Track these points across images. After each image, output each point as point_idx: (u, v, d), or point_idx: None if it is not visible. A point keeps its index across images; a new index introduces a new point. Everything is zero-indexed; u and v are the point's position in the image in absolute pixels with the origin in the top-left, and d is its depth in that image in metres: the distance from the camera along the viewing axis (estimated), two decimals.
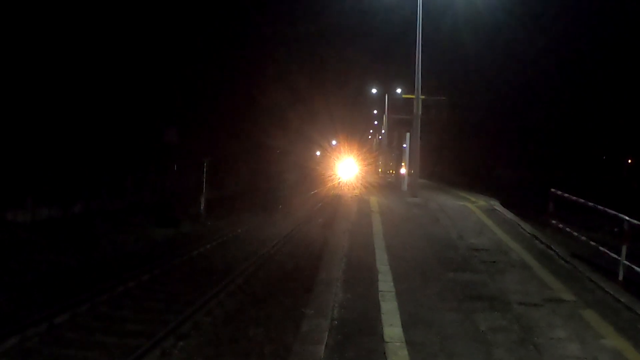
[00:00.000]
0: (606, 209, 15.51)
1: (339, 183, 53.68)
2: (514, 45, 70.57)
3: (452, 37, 67.23)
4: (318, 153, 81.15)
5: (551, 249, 17.08)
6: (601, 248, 15.03)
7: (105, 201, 30.70)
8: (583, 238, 16.77)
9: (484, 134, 70.91)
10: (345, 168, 61.34)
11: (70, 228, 25.54)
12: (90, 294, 15.45)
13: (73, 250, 22.16)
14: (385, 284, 12.41)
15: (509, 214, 24.41)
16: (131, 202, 32.51)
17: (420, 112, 30.30)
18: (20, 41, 25.55)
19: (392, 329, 9.68)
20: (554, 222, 19.49)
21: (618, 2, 65.32)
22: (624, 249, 13.43)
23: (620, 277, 13.24)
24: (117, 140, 32.36)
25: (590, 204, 16.69)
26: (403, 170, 39.15)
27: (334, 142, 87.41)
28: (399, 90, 62.27)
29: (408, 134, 34.48)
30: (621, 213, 14.41)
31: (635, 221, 13.61)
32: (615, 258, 13.79)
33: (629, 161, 73.20)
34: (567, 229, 18.33)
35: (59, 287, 16.99)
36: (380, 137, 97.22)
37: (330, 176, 63.10)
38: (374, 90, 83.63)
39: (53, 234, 24.07)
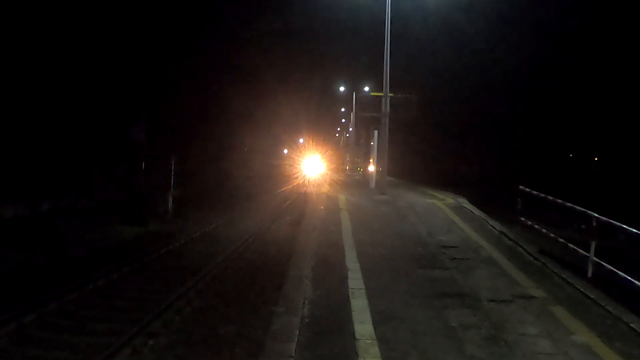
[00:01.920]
0: (574, 206, 15.58)
1: (307, 181, 53.63)
2: (482, 42, 70.82)
3: (421, 35, 67.39)
4: (286, 151, 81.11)
5: (520, 245, 17.16)
6: (570, 245, 15.09)
7: (73, 199, 30.47)
8: (552, 235, 16.83)
9: (452, 131, 71.25)
10: (312, 166, 61.26)
11: (38, 226, 25.29)
12: (59, 292, 15.27)
13: (41, 248, 21.89)
14: (355, 281, 12.41)
15: (477, 211, 24.50)
16: (99, 200, 32.32)
17: (388, 110, 30.35)
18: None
19: (363, 326, 9.66)
20: (522, 219, 19.55)
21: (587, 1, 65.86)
22: (592, 246, 13.49)
23: (589, 274, 13.30)
24: (84, 138, 32.15)
25: (559, 201, 16.76)
26: (371, 168, 39.17)
27: (301, 140, 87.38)
28: (367, 88, 62.29)
29: (376, 132, 34.51)
30: (589, 210, 14.48)
31: (603, 218, 13.68)
32: (584, 255, 13.85)
33: (596, 159, 73.81)
34: (536, 226, 18.40)
35: (27, 286, 16.75)
36: (348, 134, 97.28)
37: (298, 174, 63.05)
38: (342, 88, 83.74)
39: (20, 233, 23.82)
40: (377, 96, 37.56)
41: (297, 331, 9.35)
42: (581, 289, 12.37)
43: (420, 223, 21.06)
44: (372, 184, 36.27)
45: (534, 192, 19.08)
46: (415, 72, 65.18)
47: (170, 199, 34.84)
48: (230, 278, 19.06)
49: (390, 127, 31.46)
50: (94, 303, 15.59)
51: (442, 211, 24.67)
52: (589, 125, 63.10)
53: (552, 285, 12.83)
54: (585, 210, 14.57)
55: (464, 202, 27.50)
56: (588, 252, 13.55)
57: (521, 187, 19.94)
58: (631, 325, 10.30)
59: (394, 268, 13.86)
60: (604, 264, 13.02)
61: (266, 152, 75.64)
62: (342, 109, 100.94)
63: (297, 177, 60.64)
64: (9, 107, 26.65)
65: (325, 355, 8.52)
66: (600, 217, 13.74)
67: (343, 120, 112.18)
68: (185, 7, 42.68)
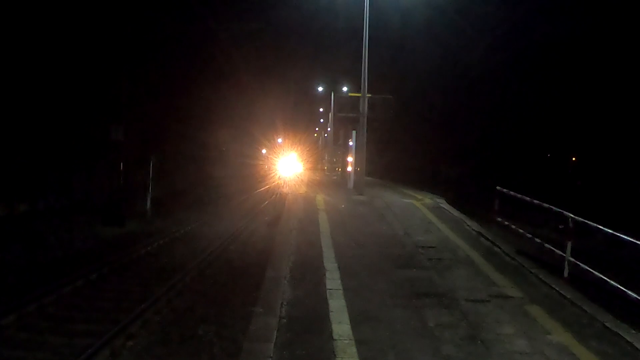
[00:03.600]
0: (551, 207, 15.68)
1: (284, 181, 53.63)
2: (459, 43, 70.96)
3: (399, 36, 67.34)
4: (264, 151, 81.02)
5: (497, 246, 17.25)
6: (546, 245, 15.19)
7: (52, 200, 30.33)
8: (528, 235, 16.92)
9: (429, 131, 71.39)
10: (289, 166, 61.26)
11: (16, 227, 25.17)
12: (38, 293, 15.25)
13: (19, 249, 21.80)
14: (333, 281, 12.44)
15: (454, 212, 24.59)
16: (78, 201, 32.16)
17: (366, 110, 30.39)
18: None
19: (341, 327, 9.70)
20: (499, 219, 19.65)
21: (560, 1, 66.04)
22: (568, 246, 13.59)
23: (566, 274, 13.40)
24: (63, 138, 32.01)
25: (535, 201, 16.85)
26: (349, 168, 39.19)
27: (279, 140, 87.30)
28: (345, 89, 62.28)
29: (354, 132, 34.49)
30: (566, 210, 14.59)
31: (579, 218, 13.78)
32: (560, 255, 13.95)
33: (573, 159, 74.12)
34: (513, 226, 18.48)
35: (5, 287, 16.71)
36: (326, 135, 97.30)
37: (276, 173, 63.03)
38: (320, 88, 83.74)
39: None
40: (355, 97, 37.59)
41: (276, 332, 9.37)
42: (557, 289, 12.47)
43: (398, 223, 21.10)
44: (350, 184, 36.30)
45: (511, 193, 19.17)
46: (393, 72, 65.25)
47: (149, 199, 34.77)
48: (208, 279, 19.10)
49: (369, 128, 31.54)
50: (73, 303, 15.58)
51: (420, 211, 24.72)
52: (566, 125, 63.33)
53: (528, 285, 12.92)
54: (562, 211, 14.68)
55: (442, 203, 27.58)
56: (564, 252, 13.66)
57: (498, 187, 20.03)
58: (606, 324, 10.40)
59: (372, 268, 13.89)
60: (580, 264, 13.13)
61: (244, 152, 75.47)
62: (321, 109, 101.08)
63: (274, 178, 60.61)
64: None
65: (303, 356, 8.55)
66: (576, 217, 13.85)
67: (321, 120, 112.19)
68: (162, 5, 42.58)
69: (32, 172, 29.05)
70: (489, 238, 18.35)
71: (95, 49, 33.87)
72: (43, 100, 30.08)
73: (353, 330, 9.53)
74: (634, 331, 10.13)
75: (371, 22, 29.23)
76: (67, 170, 32.33)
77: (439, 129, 71.17)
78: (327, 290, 11.74)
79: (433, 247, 16.95)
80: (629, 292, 11.26)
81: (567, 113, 62.18)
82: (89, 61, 33.69)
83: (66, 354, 11.68)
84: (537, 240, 16.01)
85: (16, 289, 16.13)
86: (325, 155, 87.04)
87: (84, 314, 14.80)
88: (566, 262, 13.48)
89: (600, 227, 12.94)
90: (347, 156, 42.59)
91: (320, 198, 28.28)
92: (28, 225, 25.57)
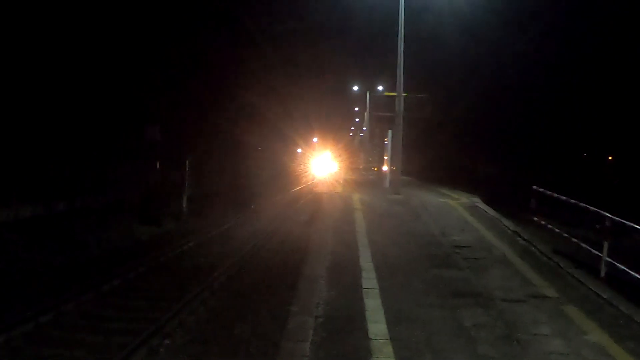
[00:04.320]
0: (587, 206, 15.59)
1: (319, 181, 53.61)
2: (496, 42, 70.59)
3: (435, 34, 66.97)
4: (300, 150, 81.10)
5: (533, 245, 17.18)
6: (583, 245, 15.12)
7: (89, 199, 30.52)
8: (565, 235, 16.84)
9: (466, 130, 71.04)
10: (325, 165, 61.20)
11: (55, 226, 25.29)
12: (76, 292, 15.37)
13: (58, 248, 21.94)
14: (369, 280, 12.48)
15: (490, 211, 24.49)
16: (115, 200, 32.31)
17: (402, 109, 30.34)
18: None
19: (377, 326, 9.73)
20: (536, 219, 19.55)
21: (598, 1, 65.50)
22: (605, 246, 13.52)
23: (602, 274, 13.33)
24: (100, 137, 32.20)
25: (572, 201, 16.76)
26: (385, 167, 39.11)
27: (315, 139, 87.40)
28: (380, 88, 62.17)
29: (390, 131, 34.42)
30: (602, 210, 14.50)
31: (616, 218, 13.70)
32: (597, 255, 13.88)
33: (610, 158, 73.54)
34: (549, 226, 18.39)
35: (44, 286, 16.83)
36: (362, 134, 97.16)
37: (312, 173, 62.97)
38: (355, 88, 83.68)
39: (37, 233, 23.86)
40: (391, 96, 37.52)
41: (312, 331, 9.43)
42: (594, 289, 12.41)
43: (434, 222, 21.09)
44: (386, 184, 36.22)
45: (548, 192, 19.07)
46: (429, 70, 65.01)
47: (185, 199, 34.91)
48: (245, 278, 19.10)
49: (405, 127, 31.48)
50: (111, 303, 15.67)
51: (456, 210, 24.68)
52: (603, 124, 62.85)
53: (565, 285, 12.88)
54: (599, 210, 14.59)
55: (478, 202, 27.48)
56: (601, 252, 13.59)
57: (535, 187, 19.93)
58: None
59: (408, 268, 13.92)
60: (617, 264, 13.06)
61: (279, 151, 75.52)
62: (356, 108, 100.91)
63: (312, 177, 60.54)
64: (25, 108, 26.74)
65: (339, 355, 8.60)
66: (613, 217, 13.76)
67: (357, 120, 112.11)
68: (198, 6, 42.72)
69: (70, 171, 29.23)
70: (526, 237, 18.28)
71: (131, 50, 34.06)
72: (81, 101, 30.30)
73: (389, 330, 9.56)
74: None
75: (407, 20, 29.19)
76: (104, 170, 32.51)
77: (475, 128, 70.83)
78: (363, 290, 11.78)
79: (469, 246, 16.93)
80: None
81: (604, 112, 61.69)
82: (125, 61, 33.88)
83: (103, 352, 11.76)
84: (574, 239, 15.93)
85: (54, 288, 16.24)
86: (361, 154, 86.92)
87: (121, 312, 14.89)
88: (603, 262, 13.41)
89: (637, 226, 12.86)
90: (383, 155, 42.48)
91: (356, 197, 28.31)
92: (66, 225, 25.72)
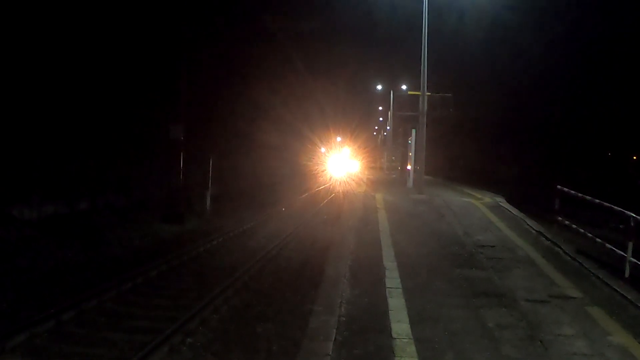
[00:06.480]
0: (612, 206, 15.52)
1: (342, 180, 53.55)
2: (519, 41, 70.32)
3: (458, 33, 66.89)
4: (323, 150, 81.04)
5: (557, 245, 17.11)
6: (607, 245, 15.06)
7: (111, 197, 30.58)
8: (589, 235, 16.77)
9: (489, 130, 70.88)
10: (341, 165, 61.02)
11: (77, 224, 25.37)
12: (98, 290, 15.42)
13: (80, 246, 22.04)
14: (392, 280, 12.48)
15: (514, 211, 24.43)
16: (137, 199, 32.37)
17: (425, 109, 30.33)
18: (23, 37, 25.55)
19: (400, 325, 9.74)
20: (559, 218, 19.48)
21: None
22: (630, 246, 13.47)
23: (627, 274, 13.28)
24: (123, 136, 32.29)
25: (596, 200, 16.69)
26: (408, 167, 39.07)
27: (338, 139, 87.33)
28: (404, 87, 62.23)
29: (414, 131, 34.41)
30: (627, 210, 14.43)
31: None
32: (621, 255, 13.82)
33: (634, 158, 73.18)
34: (573, 226, 18.33)
35: (67, 283, 16.90)
36: (385, 133, 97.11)
37: (333, 173, 62.80)
38: (379, 87, 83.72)
39: (59, 231, 23.93)
40: (414, 95, 37.58)
41: (335, 330, 9.44)
42: (618, 290, 12.35)
43: (458, 222, 21.06)
44: (410, 183, 36.22)
45: (572, 192, 18.99)
46: (452, 70, 64.87)
47: (208, 197, 34.95)
48: (267, 277, 19.10)
49: (428, 126, 31.44)
50: (133, 301, 15.72)
51: (479, 210, 24.62)
52: (627, 124, 62.54)
53: (589, 286, 12.82)
54: (623, 210, 14.53)
55: (502, 202, 27.42)
56: (625, 253, 13.53)
57: (559, 186, 19.86)
58: None
59: (431, 267, 13.91)
60: None
61: (302, 151, 75.41)
62: (380, 108, 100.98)
63: (335, 177, 60.40)
64: (50, 107, 26.86)
65: (362, 354, 8.61)
66: (638, 217, 13.70)
67: (380, 119, 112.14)
68: (219, 6, 42.76)
69: (92, 170, 29.32)
70: (549, 237, 18.22)
71: (156, 51, 34.15)
72: (104, 100, 30.40)
73: (412, 329, 9.56)
74: None
75: (430, 20, 29.19)
76: (126, 168, 32.59)
77: (499, 128, 70.66)
78: (387, 289, 11.78)
79: (492, 246, 16.89)
80: None
81: (629, 111, 61.37)
82: (150, 62, 33.99)
83: (125, 350, 11.81)
84: (598, 240, 15.86)
85: (77, 286, 16.30)
86: (385, 153, 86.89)
87: (143, 310, 14.93)
88: (627, 263, 13.36)
89: None
90: (406, 155, 42.46)
91: (380, 197, 28.29)
92: (88, 223, 25.81)
